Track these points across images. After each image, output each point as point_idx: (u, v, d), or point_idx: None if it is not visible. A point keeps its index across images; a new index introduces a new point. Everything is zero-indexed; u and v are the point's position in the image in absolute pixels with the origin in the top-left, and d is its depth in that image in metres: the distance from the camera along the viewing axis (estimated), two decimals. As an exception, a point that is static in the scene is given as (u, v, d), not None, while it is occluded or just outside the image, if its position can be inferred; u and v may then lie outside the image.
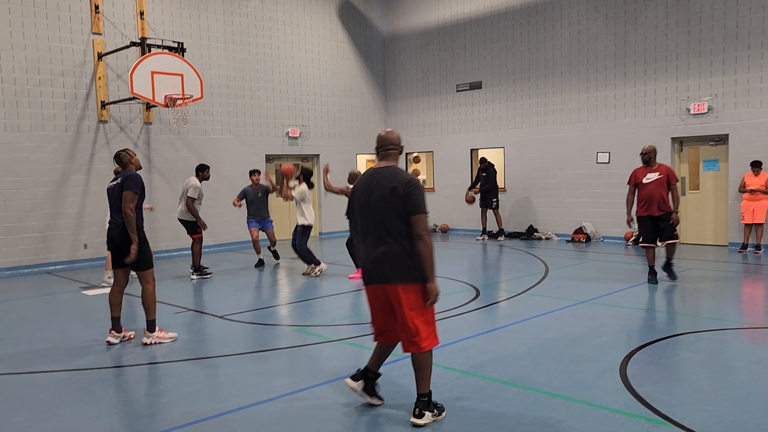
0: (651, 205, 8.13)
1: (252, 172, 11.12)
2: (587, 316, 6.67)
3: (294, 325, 6.73)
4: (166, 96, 11.00)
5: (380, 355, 4.31)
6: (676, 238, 8.30)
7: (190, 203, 9.69)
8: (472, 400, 4.36)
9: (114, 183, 6.05)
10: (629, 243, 12.60)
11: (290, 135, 15.13)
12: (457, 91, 15.79)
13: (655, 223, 8.19)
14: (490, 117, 15.19)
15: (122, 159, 6.10)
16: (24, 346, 6.11)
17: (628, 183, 8.50)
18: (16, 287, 9.70)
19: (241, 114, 14.27)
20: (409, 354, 4.09)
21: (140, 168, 6.24)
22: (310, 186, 9.86)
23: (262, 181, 11.29)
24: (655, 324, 6.56)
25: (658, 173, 8.16)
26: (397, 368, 4.96)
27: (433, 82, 16.35)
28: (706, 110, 11.67)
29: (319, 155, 15.86)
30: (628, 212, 8.51)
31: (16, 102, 11.06)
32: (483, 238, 14.31)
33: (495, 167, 14.18)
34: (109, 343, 6.05)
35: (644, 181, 8.20)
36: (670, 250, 8.37)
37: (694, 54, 11.82)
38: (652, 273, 8.38)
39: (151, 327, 6.03)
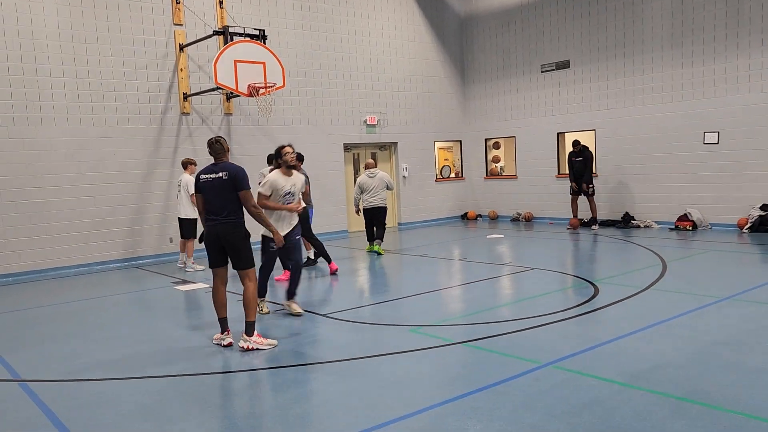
0: None
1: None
2: (740, 316, 5.87)
3: (405, 324, 6.23)
4: (249, 85, 10.68)
5: None
6: None
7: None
8: (652, 420, 3.71)
9: (214, 176, 5.51)
10: (744, 230, 11.50)
11: (368, 123, 14.66)
12: (542, 71, 14.90)
13: None
14: (579, 98, 14.25)
15: (223, 146, 5.58)
16: (132, 348, 5.85)
17: None
18: (110, 282, 9.64)
19: (318, 102, 13.90)
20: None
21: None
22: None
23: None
24: (824, 325, 5.70)
25: None
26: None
27: (514, 64, 15.51)
28: (837, 82, 10.44)
29: (396, 143, 15.34)
30: None
31: (103, 96, 11.01)
32: (575, 228, 13.44)
33: (590, 150, 13.27)
34: (229, 345, 5.68)
35: None
36: None
37: (823, 19, 10.58)
38: None
39: (250, 330, 5.53)
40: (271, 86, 10.91)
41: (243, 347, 5.50)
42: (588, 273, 8.51)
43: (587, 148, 13.27)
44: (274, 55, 11.06)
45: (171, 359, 5.40)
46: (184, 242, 10.24)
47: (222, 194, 5.49)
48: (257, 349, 5.50)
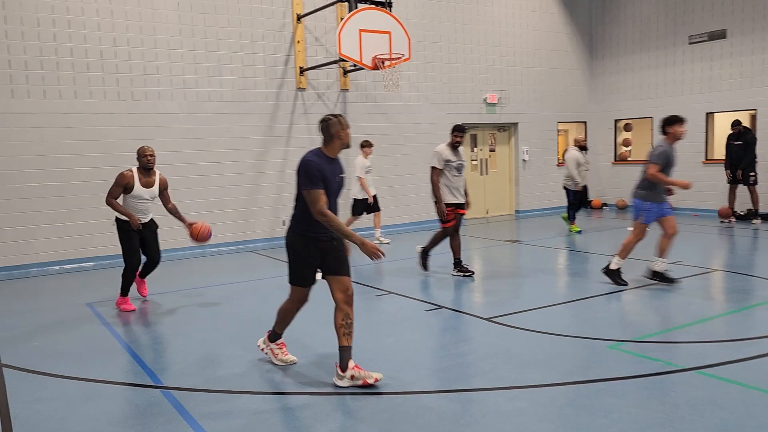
0: None
1: (673, 120, 6.59)
2: None
3: (598, 338, 5.08)
4: (374, 57, 9.76)
5: None
6: None
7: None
8: None
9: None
10: None
11: (488, 101, 13.45)
12: (690, 43, 13.12)
13: None
14: (737, 73, 12.41)
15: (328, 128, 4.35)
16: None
17: None
18: (231, 267, 9.05)
19: (437, 78, 12.82)
20: None
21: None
22: None
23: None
24: None
25: None
26: None
27: (654, 35, 13.79)
28: None
29: (517, 124, 14.05)
30: None
31: (220, 69, 10.41)
32: (730, 221, 11.74)
33: (754, 133, 11.50)
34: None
35: None
36: None
37: None
38: None
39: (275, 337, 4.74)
40: (398, 58, 9.93)
41: (263, 349, 4.80)
42: (791, 279, 7.00)
43: (750, 130, 11.50)
44: (401, 24, 10.09)
45: (320, 371, 4.54)
46: (352, 219, 10.31)
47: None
48: (270, 360, 4.70)
